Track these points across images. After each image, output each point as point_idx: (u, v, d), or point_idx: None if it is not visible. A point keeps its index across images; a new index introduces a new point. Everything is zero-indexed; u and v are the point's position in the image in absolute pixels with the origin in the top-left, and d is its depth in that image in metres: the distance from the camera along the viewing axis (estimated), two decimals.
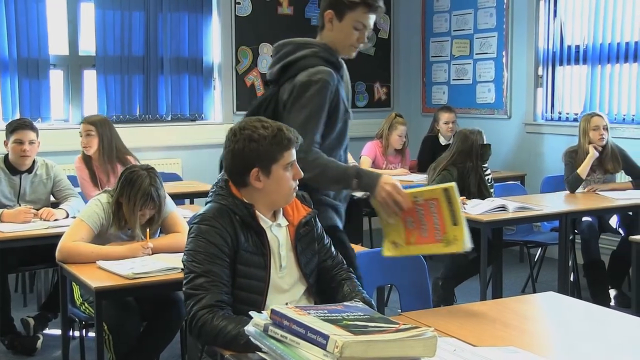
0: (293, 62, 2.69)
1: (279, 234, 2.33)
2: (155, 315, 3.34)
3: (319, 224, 2.47)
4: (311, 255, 2.39)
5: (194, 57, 6.60)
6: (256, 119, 2.31)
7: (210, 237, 2.20)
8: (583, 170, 4.92)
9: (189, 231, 2.27)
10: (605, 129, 4.94)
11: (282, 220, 2.36)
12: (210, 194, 2.35)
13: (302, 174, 2.31)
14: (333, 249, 2.49)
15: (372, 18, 2.70)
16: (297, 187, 2.33)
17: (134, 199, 3.19)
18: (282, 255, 2.32)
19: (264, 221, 2.30)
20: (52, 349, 4.10)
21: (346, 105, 2.76)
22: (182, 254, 3.14)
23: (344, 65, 2.80)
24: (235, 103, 6.79)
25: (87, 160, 4.59)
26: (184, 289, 2.19)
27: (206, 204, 2.34)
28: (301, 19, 7.06)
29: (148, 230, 3.24)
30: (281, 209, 2.38)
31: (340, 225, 2.77)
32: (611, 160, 4.97)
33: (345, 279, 2.42)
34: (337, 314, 1.79)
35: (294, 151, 2.28)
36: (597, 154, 4.91)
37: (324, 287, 2.43)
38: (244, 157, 2.25)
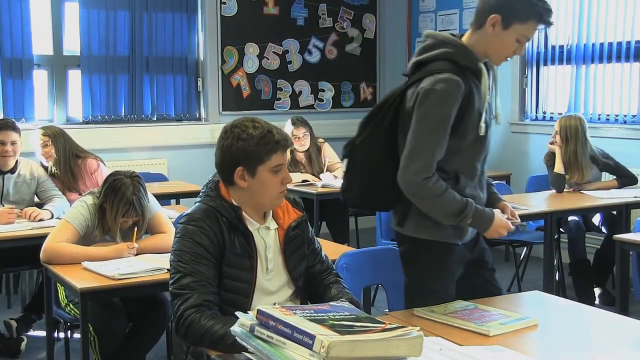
0: (424, 62, 2.51)
1: (266, 237, 2.33)
2: (141, 316, 3.33)
3: (310, 228, 2.47)
4: (299, 259, 2.39)
5: (179, 56, 6.58)
6: (250, 118, 2.29)
7: (196, 237, 2.20)
8: (559, 167, 4.95)
9: (176, 231, 2.27)
10: (557, 134, 4.93)
11: (271, 223, 2.36)
12: (201, 194, 2.35)
13: (291, 179, 2.29)
14: (323, 253, 2.49)
15: (534, 32, 2.53)
16: (285, 192, 2.31)
17: (117, 208, 3.18)
18: (269, 257, 2.31)
19: (252, 223, 2.30)
20: (37, 350, 4.07)
21: (482, 116, 2.51)
22: (168, 254, 3.16)
23: (484, 71, 2.53)
24: (221, 103, 6.78)
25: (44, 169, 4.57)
26: (170, 288, 2.18)
27: (195, 203, 2.34)
28: (287, 19, 7.06)
29: (135, 229, 3.23)
30: (271, 212, 2.37)
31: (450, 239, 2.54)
32: (571, 169, 4.93)
33: (333, 282, 2.42)
34: (323, 314, 1.79)
35: (283, 155, 2.26)
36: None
37: (312, 291, 2.43)
38: (230, 154, 2.25)
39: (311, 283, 2.44)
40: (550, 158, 5.05)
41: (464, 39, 2.53)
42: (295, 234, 2.38)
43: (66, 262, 3.10)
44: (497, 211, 2.54)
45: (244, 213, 2.28)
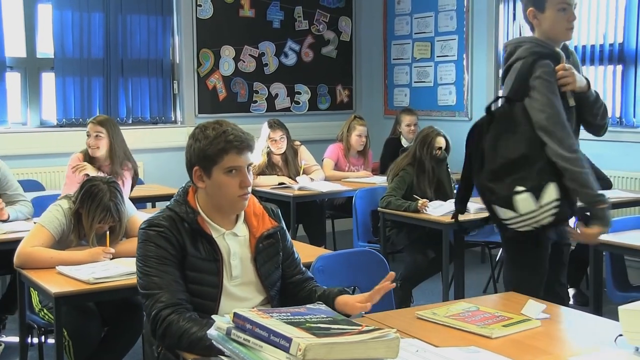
0: (512, 65, 2.80)
1: (231, 243, 2.30)
2: (117, 320, 3.30)
3: (289, 239, 2.45)
4: (274, 268, 2.37)
5: (154, 59, 6.54)
6: (216, 120, 2.29)
7: (157, 241, 2.20)
8: None
9: (138, 237, 2.27)
10: None
11: (239, 229, 2.33)
12: (172, 199, 2.35)
13: (250, 182, 2.25)
14: (298, 260, 2.47)
15: None
16: (246, 196, 2.27)
17: (93, 214, 3.15)
18: (233, 264, 2.29)
19: (215, 229, 2.28)
20: (10, 356, 4.03)
21: (566, 98, 2.78)
22: None
23: (562, 54, 2.79)
24: (196, 106, 6.75)
25: (88, 160, 4.52)
26: (140, 291, 2.18)
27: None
28: (263, 22, 7.05)
29: (108, 233, 3.19)
30: (242, 219, 2.35)
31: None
32: None
33: (317, 286, 2.40)
34: (299, 317, 1.79)
35: (240, 157, 2.22)
36: None
37: (296, 299, 2.38)
38: (189, 155, 2.26)
39: (293, 292, 2.41)
40: None
41: (536, 33, 2.82)
42: (268, 243, 2.36)
43: (40, 266, 3.07)
44: None
45: (205, 217, 2.27)
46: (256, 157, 5.43)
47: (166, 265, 2.17)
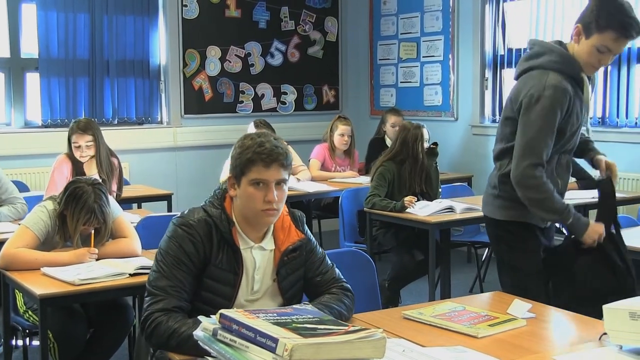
0: (530, 69, 2.82)
1: (258, 257, 2.27)
2: (102, 322, 3.29)
3: (317, 250, 2.37)
4: (295, 280, 2.33)
5: (140, 59, 6.52)
6: (263, 132, 2.27)
7: (183, 243, 2.17)
8: None
9: (168, 228, 2.24)
10: None
11: (268, 243, 2.29)
12: (209, 198, 2.31)
13: (276, 199, 2.19)
14: (327, 265, 2.38)
15: (620, 44, 2.74)
16: (271, 212, 2.21)
17: (78, 216, 3.12)
18: (256, 278, 2.26)
19: (245, 241, 2.25)
20: None
21: (579, 118, 2.83)
22: (130, 259, 3.14)
23: (586, 81, 2.81)
24: (182, 106, 6.73)
25: (75, 162, 4.48)
26: (147, 285, 2.17)
27: (199, 206, 2.27)
28: (249, 22, 7.04)
29: (92, 234, 3.17)
30: (271, 232, 2.30)
31: (538, 224, 2.93)
32: None
33: (327, 292, 2.32)
34: (286, 317, 1.79)
35: (267, 170, 2.17)
36: None
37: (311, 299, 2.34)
38: (231, 161, 2.25)
39: (312, 293, 2.36)
40: None
41: (569, 48, 2.81)
42: (292, 257, 2.30)
43: (25, 268, 3.04)
44: (592, 222, 2.85)
45: (238, 229, 2.24)
46: None
47: (181, 269, 2.15)
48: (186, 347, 1.98)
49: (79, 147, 4.49)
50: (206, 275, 2.20)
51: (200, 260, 2.18)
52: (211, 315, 1.85)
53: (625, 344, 1.99)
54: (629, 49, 5.35)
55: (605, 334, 2.04)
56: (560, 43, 2.86)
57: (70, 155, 4.55)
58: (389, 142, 6.19)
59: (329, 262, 2.40)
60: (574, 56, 2.79)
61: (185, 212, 2.25)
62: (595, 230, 2.84)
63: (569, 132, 2.83)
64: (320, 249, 2.42)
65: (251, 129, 5.60)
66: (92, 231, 3.18)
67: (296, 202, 5.45)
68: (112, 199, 3.39)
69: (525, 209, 2.85)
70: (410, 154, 4.65)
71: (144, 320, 2.10)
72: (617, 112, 5.47)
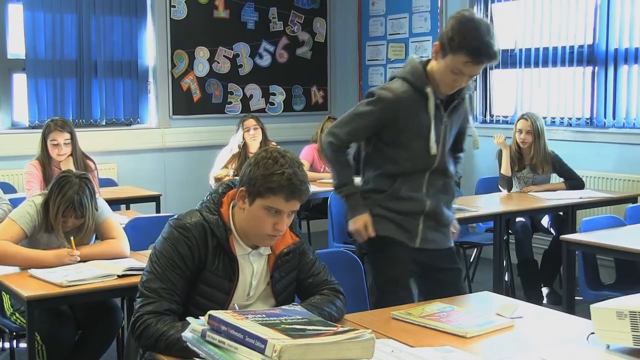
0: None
1: (255, 263, 2.26)
2: (91, 323, 3.27)
3: (310, 254, 2.38)
4: (288, 283, 2.32)
5: (128, 60, 6.49)
6: (288, 152, 2.18)
7: (179, 245, 2.15)
8: (505, 169, 5.06)
9: (163, 229, 2.22)
10: (529, 132, 5.04)
11: (265, 249, 2.28)
12: (204, 200, 2.27)
13: (285, 229, 2.18)
14: (319, 267, 2.38)
15: (472, 68, 2.65)
16: (275, 237, 2.21)
17: (58, 205, 3.11)
18: (253, 284, 2.25)
19: (242, 248, 2.23)
20: None
21: (430, 135, 2.76)
22: (118, 260, 3.12)
23: (430, 95, 2.74)
24: (171, 107, 6.72)
25: (45, 166, 4.46)
26: (139, 286, 2.16)
27: (194, 209, 2.25)
28: (237, 23, 7.03)
29: (72, 238, 3.16)
30: None
31: (399, 237, 2.84)
32: (539, 162, 5.08)
33: (318, 293, 2.33)
34: (275, 318, 1.78)
35: (287, 202, 2.13)
36: (507, 146, 5.08)
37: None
38: (245, 171, 2.18)
39: (303, 295, 2.35)
40: (501, 154, 5.14)
41: (429, 64, 2.77)
42: (285, 260, 2.30)
43: (6, 262, 3.03)
44: (364, 215, 2.83)
45: (236, 236, 2.22)
46: (232, 148, 5.42)
47: (174, 272, 2.13)
48: (174, 350, 1.97)
49: (57, 144, 4.47)
50: (201, 280, 2.18)
51: (195, 264, 2.16)
52: (200, 317, 1.85)
53: (613, 343, 2.00)
54: (616, 49, 5.38)
55: (592, 333, 2.05)
56: (428, 61, 2.78)
57: (42, 160, 4.51)
58: None
59: (321, 264, 2.40)
60: (427, 72, 2.74)
61: (183, 214, 2.23)
62: (359, 221, 2.82)
63: (416, 147, 2.77)
64: (313, 251, 2.42)
65: (239, 130, 5.60)
66: (72, 230, 3.16)
67: None
68: (102, 200, 3.38)
69: (386, 223, 2.84)
70: None
71: (134, 322, 2.09)
72: (605, 113, 5.50)
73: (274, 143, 5.82)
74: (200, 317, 1.85)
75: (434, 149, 2.77)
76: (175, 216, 2.24)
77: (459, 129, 2.94)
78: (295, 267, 2.33)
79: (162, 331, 2.01)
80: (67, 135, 4.50)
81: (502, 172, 5.09)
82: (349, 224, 2.87)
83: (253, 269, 2.25)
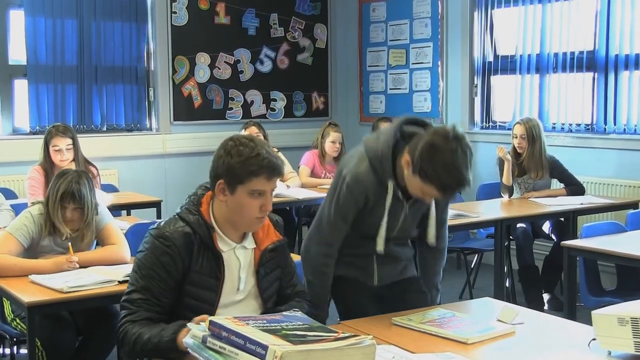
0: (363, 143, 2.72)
1: (242, 256, 2.28)
2: (91, 329, 3.27)
3: (289, 255, 2.44)
4: (273, 280, 2.36)
5: (129, 66, 6.50)
6: (251, 137, 2.25)
7: (160, 255, 2.17)
8: (505, 178, 5.07)
9: (144, 239, 2.24)
10: (524, 137, 5.06)
11: (249, 242, 2.31)
12: (183, 204, 2.29)
13: (271, 207, 2.23)
14: (297, 278, 2.46)
15: (440, 196, 2.48)
16: (263, 218, 2.25)
17: (56, 191, 3.14)
18: (242, 278, 2.27)
19: (226, 243, 2.25)
20: None
21: (382, 227, 2.61)
22: (119, 266, 3.13)
23: (390, 189, 2.57)
24: (172, 113, 6.72)
25: (48, 171, 4.46)
26: (124, 294, 2.19)
27: (174, 215, 2.27)
28: (238, 29, 7.04)
29: (70, 244, 3.15)
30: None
31: (356, 276, 2.75)
32: (532, 167, 5.09)
33: (295, 301, 2.40)
34: (276, 324, 1.78)
35: (268, 181, 2.18)
36: (509, 159, 5.04)
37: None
38: (217, 165, 2.21)
39: (278, 304, 2.39)
40: (502, 160, 5.14)
41: (401, 160, 2.51)
42: (271, 256, 2.33)
43: (4, 274, 3.02)
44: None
45: (219, 232, 2.24)
46: None
47: (154, 282, 2.16)
48: (147, 350, 2.02)
49: (60, 150, 4.49)
50: (187, 282, 2.20)
51: (179, 271, 2.18)
52: (201, 323, 1.85)
53: (614, 350, 2.00)
54: (616, 55, 5.38)
55: (594, 339, 2.05)
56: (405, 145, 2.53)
57: (45, 166, 4.52)
58: None
59: (297, 274, 2.47)
60: (396, 164, 2.54)
61: (162, 223, 2.24)
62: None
63: (374, 222, 2.63)
64: (292, 260, 2.46)
65: (242, 130, 5.61)
66: (70, 244, 3.16)
67: (281, 208, 5.45)
68: (103, 206, 3.38)
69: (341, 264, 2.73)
70: None
71: (118, 331, 2.14)
72: (605, 119, 5.50)
73: (275, 149, 5.82)
74: (201, 323, 1.86)
75: (380, 245, 2.62)
76: (155, 225, 2.25)
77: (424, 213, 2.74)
78: (279, 265, 2.37)
79: (138, 334, 2.06)
80: (69, 141, 4.51)
81: (503, 181, 5.09)
82: None
83: (240, 262, 2.27)
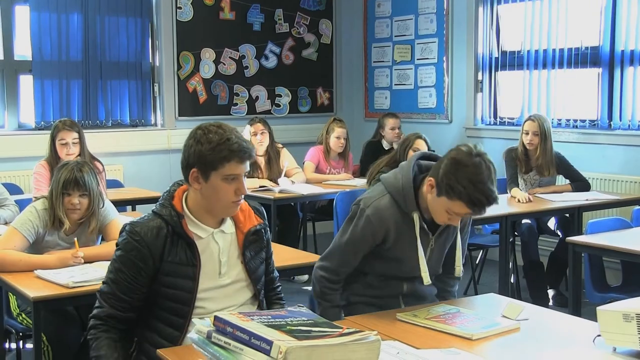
0: (381, 179, 2.64)
1: (220, 240, 2.32)
2: None
3: (269, 237, 2.48)
4: (259, 263, 2.41)
5: (134, 62, 6.51)
6: (218, 123, 2.27)
7: (130, 250, 2.23)
8: (515, 192, 4.96)
9: (119, 235, 2.31)
10: (536, 134, 5.02)
11: (227, 227, 2.35)
12: (159, 200, 2.35)
13: (247, 191, 2.27)
14: (272, 265, 2.52)
15: (470, 214, 2.43)
16: (239, 202, 2.28)
17: (57, 184, 3.15)
18: (222, 261, 2.31)
19: (203, 230, 2.29)
20: None
21: (399, 258, 2.57)
22: None
23: (416, 222, 2.51)
24: (177, 108, 6.72)
25: (54, 166, 4.47)
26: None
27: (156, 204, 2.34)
28: (243, 24, 7.04)
29: (76, 239, 3.16)
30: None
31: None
32: (545, 164, 5.06)
33: (276, 301, 2.52)
34: (280, 320, 1.78)
35: (240, 165, 2.22)
36: (526, 197, 4.85)
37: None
38: (188, 155, 2.25)
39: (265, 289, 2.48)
40: (509, 155, 5.12)
41: (423, 187, 2.50)
42: (254, 238, 2.38)
43: (10, 269, 3.03)
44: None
45: (192, 219, 2.28)
46: None
47: (122, 276, 2.23)
48: None
49: (66, 144, 4.50)
50: (162, 272, 2.23)
51: (149, 265, 2.22)
52: (206, 318, 1.85)
53: (619, 346, 2.00)
54: (622, 51, 5.37)
55: (599, 335, 2.04)
56: (424, 178, 2.51)
57: (50, 161, 4.53)
58: (385, 144, 6.19)
59: (272, 260, 2.54)
60: (419, 193, 2.51)
61: (134, 220, 2.30)
62: None
63: (399, 260, 2.58)
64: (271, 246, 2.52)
65: (247, 127, 5.62)
66: (75, 239, 3.16)
67: (290, 205, 5.45)
68: (108, 202, 3.39)
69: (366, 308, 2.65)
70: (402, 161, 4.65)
71: (88, 327, 2.27)
72: (610, 115, 5.48)
73: (280, 145, 5.83)
74: (205, 318, 1.86)
75: (426, 278, 2.53)
76: (132, 221, 2.30)
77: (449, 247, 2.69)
78: (264, 247, 2.43)
79: (100, 354, 2.21)
80: (75, 135, 4.53)
81: (512, 194, 4.98)
82: None
83: (219, 246, 2.31)
